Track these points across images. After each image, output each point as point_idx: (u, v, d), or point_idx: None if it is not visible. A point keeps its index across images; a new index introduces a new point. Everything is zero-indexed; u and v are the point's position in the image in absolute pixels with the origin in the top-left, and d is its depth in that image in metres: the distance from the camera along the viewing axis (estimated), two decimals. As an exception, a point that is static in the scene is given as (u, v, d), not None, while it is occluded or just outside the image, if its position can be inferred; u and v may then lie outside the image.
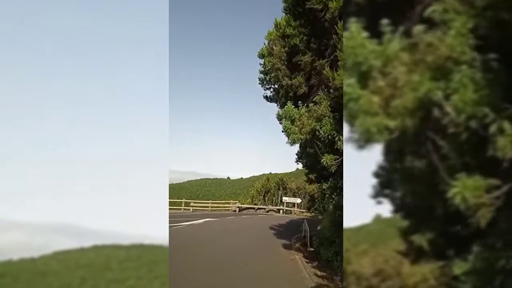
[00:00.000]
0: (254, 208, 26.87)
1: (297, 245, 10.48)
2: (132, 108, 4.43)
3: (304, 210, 27.80)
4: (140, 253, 3.68)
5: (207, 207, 24.23)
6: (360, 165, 3.87)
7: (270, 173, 32.76)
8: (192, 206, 22.65)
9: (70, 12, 4.52)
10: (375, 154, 3.78)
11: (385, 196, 3.65)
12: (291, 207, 27.92)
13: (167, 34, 4.72)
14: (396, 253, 3.21)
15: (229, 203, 27.23)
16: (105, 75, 4.48)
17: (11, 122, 4.16)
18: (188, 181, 60.84)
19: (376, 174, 3.80)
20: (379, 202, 3.62)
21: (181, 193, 36.21)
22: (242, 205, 26.75)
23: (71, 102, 4.38)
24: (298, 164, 14.11)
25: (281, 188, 30.58)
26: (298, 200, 28.01)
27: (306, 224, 11.13)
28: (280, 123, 12.54)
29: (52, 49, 4.45)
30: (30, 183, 4.08)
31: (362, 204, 4.08)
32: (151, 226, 3.83)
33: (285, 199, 27.89)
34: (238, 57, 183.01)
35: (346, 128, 4.57)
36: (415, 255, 3.07)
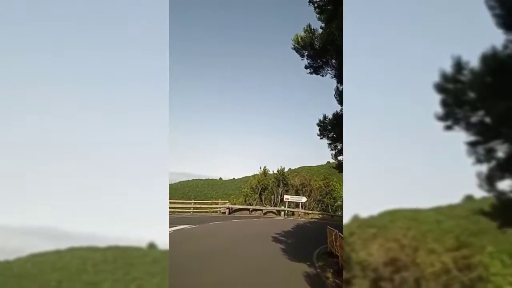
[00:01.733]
0: (248, 210, 24.00)
1: (330, 277, 6.64)
2: (132, 108, 4.59)
3: (309, 211, 25.56)
4: (116, 255, 3.80)
5: (189, 208, 21.19)
6: (360, 164, 3.95)
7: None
8: (169, 208, 19.79)
9: (69, 13, 4.66)
10: (375, 153, 3.86)
11: (457, 120, 2.99)
12: (294, 208, 25.82)
13: (167, 35, 4.84)
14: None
15: (216, 203, 24.29)
16: (104, 76, 4.64)
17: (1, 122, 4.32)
18: (180, 182, 62.16)
19: (441, 88, 3.01)
20: (448, 127, 3.04)
21: (173, 194, 36.47)
22: (234, 206, 23.92)
23: (69, 103, 4.52)
24: (322, 139, 11.83)
25: (281, 185, 27.56)
26: (303, 199, 25.47)
27: (339, 234, 7.05)
28: (300, 54, 10.10)
29: (51, 51, 4.56)
30: (29, 185, 4.25)
31: (362, 203, 4.19)
32: (151, 230, 3.99)
33: (287, 197, 25.37)
34: (237, 57, 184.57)
35: (346, 122, 4.63)
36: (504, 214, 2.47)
